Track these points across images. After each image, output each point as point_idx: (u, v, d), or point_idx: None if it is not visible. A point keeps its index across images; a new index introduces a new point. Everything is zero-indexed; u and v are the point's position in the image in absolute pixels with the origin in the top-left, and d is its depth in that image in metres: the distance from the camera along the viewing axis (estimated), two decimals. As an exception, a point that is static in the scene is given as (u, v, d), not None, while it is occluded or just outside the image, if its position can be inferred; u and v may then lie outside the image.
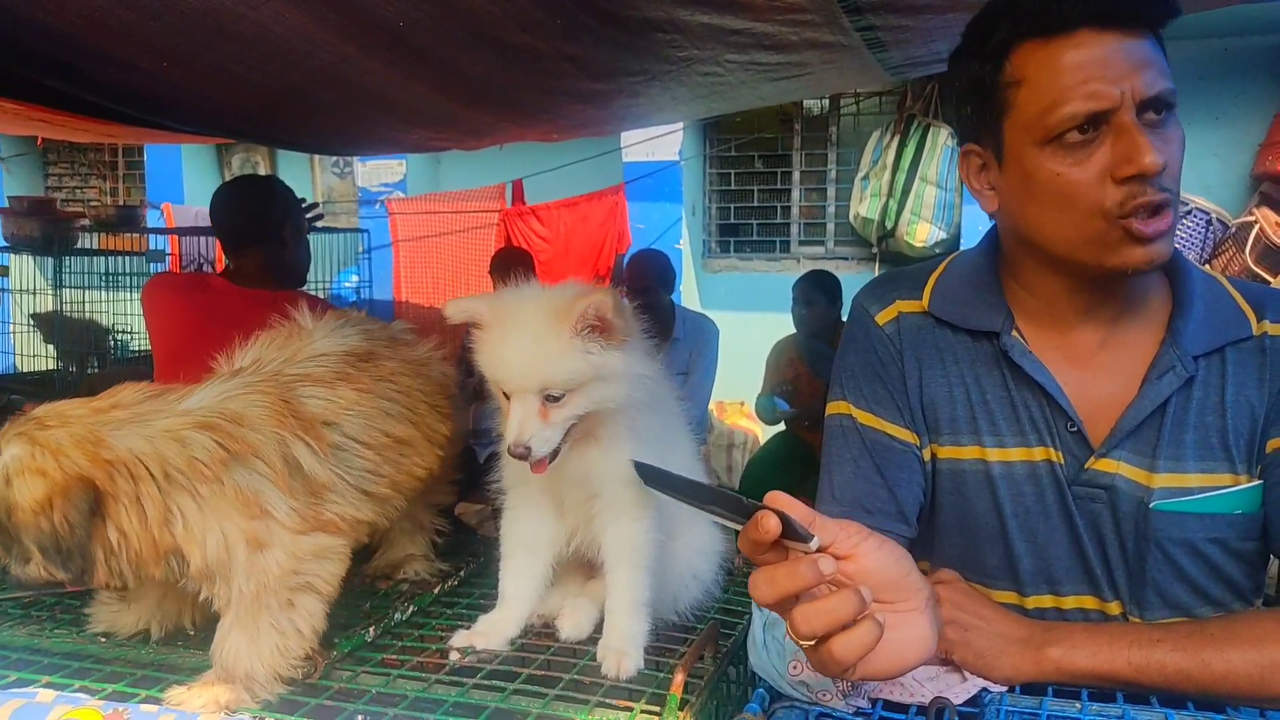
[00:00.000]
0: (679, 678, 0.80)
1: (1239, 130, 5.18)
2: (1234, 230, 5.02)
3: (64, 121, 3.02)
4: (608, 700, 0.84)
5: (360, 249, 6.20)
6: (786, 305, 4.61)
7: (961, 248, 5.52)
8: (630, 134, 5.81)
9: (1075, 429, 1.09)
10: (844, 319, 4.40)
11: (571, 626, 0.99)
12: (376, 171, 6.94)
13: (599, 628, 0.97)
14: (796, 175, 6.33)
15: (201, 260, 5.83)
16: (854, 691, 0.98)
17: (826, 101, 6.13)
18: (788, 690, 0.99)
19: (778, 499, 0.77)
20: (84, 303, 5.15)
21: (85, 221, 5.16)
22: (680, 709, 0.80)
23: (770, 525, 0.74)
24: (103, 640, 0.96)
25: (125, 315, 5.20)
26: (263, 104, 2.81)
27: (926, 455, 1.17)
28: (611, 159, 6.07)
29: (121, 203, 7.86)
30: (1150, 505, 1.06)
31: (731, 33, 2.25)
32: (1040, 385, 1.10)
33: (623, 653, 0.90)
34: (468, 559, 1.22)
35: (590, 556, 1.00)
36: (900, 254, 5.74)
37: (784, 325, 4.60)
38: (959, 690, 1.02)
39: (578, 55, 2.36)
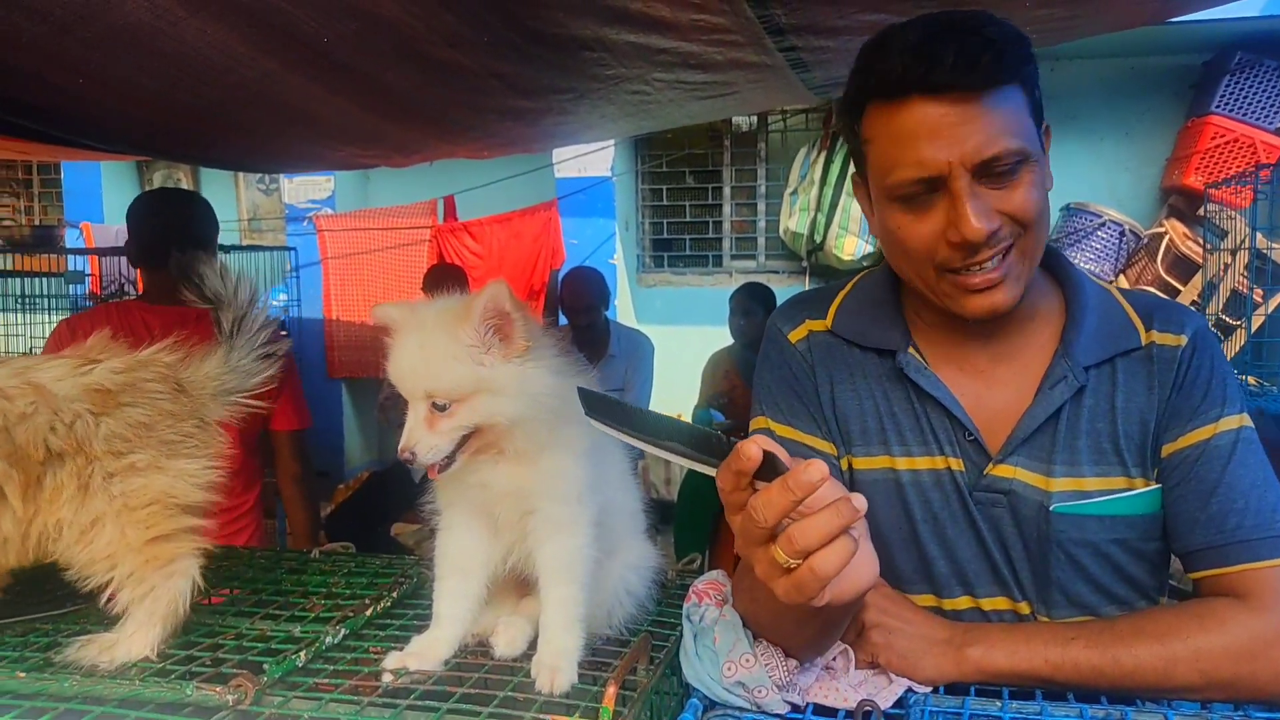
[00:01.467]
0: (611, 690, 0.81)
1: (1148, 145, 5.41)
2: (1146, 241, 5.23)
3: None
4: (541, 716, 0.84)
5: (288, 267, 6.10)
6: (720, 319, 4.67)
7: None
8: (562, 150, 5.83)
9: (973, 438, 1.14)
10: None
11: (506, 644, 0.99)
12: (304, 188, 6.83)
13: (534, 644, 0.98)
14: (727, 190, 6.41)
15: (123, 280, 5.66)
16: (789, 685, 1.00)
17: (755, 118, 6.23)
18: (723, 697, 1.01)
19: (756, 437, 0.78)
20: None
21: (-2, 242, 4.98)
22: (613, 721, 0.81)
23: (754, 454, 0.76)
24: (21, 676, 0.93)
25: (43, 339, 5.03)
26: (183, 121, 2.75)
27: (844, 465, 1.20)
28: (544, 175, 6.08)
29: (38, 222, 7.61)
30: (1050, 508, 1.11)
31: (658, 51, 2.28)
32: (937, 399, 1.15)
33: (556, 668, 0.90)
34: (399, 579, 1.21)
35: (525, 574, 1.00)
36: (830, 267, 5.84)
37: (718, 339, 4.65)
38: (886, 694, 1.04)
39: (505, 72, 2.37)
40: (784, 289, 5.27)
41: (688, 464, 0.79)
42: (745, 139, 6.37)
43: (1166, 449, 1.11)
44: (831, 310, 1.24)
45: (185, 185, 7.39)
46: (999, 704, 0.99)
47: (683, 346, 5.36)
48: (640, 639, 0.96)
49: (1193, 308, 3.84)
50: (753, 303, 4.38)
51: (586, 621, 0.97)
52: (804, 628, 0.96)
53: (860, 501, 0.78)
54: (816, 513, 0.77)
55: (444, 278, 4.56)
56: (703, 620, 1.10)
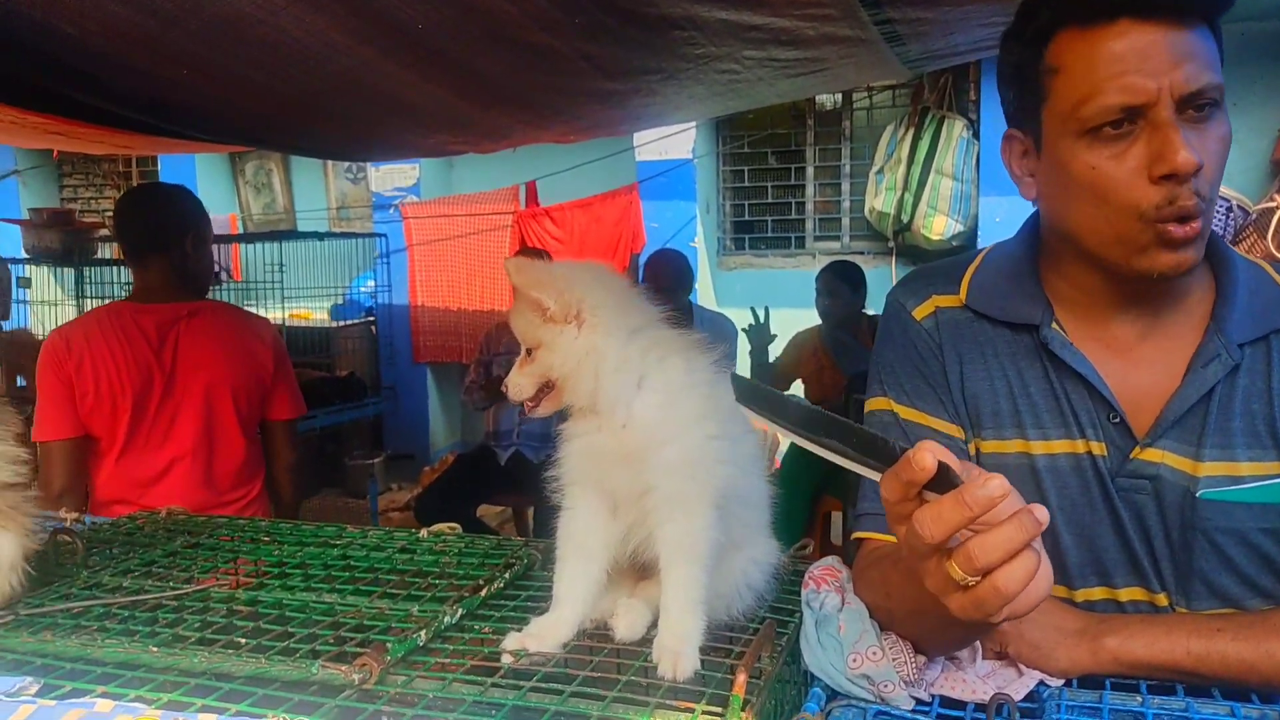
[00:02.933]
0: (741, 678, 0.79)
1: (1257, 116, 5.13)
2: (1255, 216, 4.97)
3: (81, 132, 3.03)
4: (667, 702, 0.82)
5: (375, 254, 6.22)
6: (804, 300, 4.59)
7: (979, 240, 5.50)
8: (643, 133, 5.79)
9: (1118, 419, 1.07)
10: (865, 310, 4.40)
11: (627, 628, 0.98)
12: (390, 176, 6.95)
13: (654, 629, 0.97)
14: (810, 171, 6.30)
15: (220, 268, 5.86)
16: (917, 681, 0.97)
17: (840, 96, 6.10)
18: (846, 687, 0.98)
19: (926, 443, 0.73)
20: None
21: (104, 231, 5.17)
22: (742, 709, 0.79)
23: (929, 464, 0.71)
24: (154, 650, 0.96)
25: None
26: (281, 110, 2.81)
27: (971, 450, 1.14)
28: (624, 158, 6.06)
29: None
30: (1197, 494, 1.04)
31: (749, 28, 2.24)
32: (1082, 376, 1.08)
33: (678, 653, 0.89)
34: (510, 560, 1.21)
35: (645, 558, 0.99)
36: (917, 247, 5.70)
37: (802, 320, 4.58)
38: (1017, 685, 1.00)
39: (596, 54, 2.36)
40: (870, 270, 5.15)
41: (848, 465, 0.75)
42: (829, 118, 6.25)
43: None
44: (964, 284, 1.17)
45: (277, 176, 7.59)
46: (1139, 699, 0.94)
47: (766, 329, 5.30)
48: (765, 625, 0.94)
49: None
50: (840, 282, 4.30)
51: (707, 606, 0.95)
52: (948, 630, 0.91)
53: (1043, 514, 0.72)
54: (997, 527, 0.71)
55: (529, 263, 4.60)
56: (823, 608, 1.07)
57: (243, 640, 0.98)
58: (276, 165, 7.60)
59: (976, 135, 5.47)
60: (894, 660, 0.97)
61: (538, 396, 1.01)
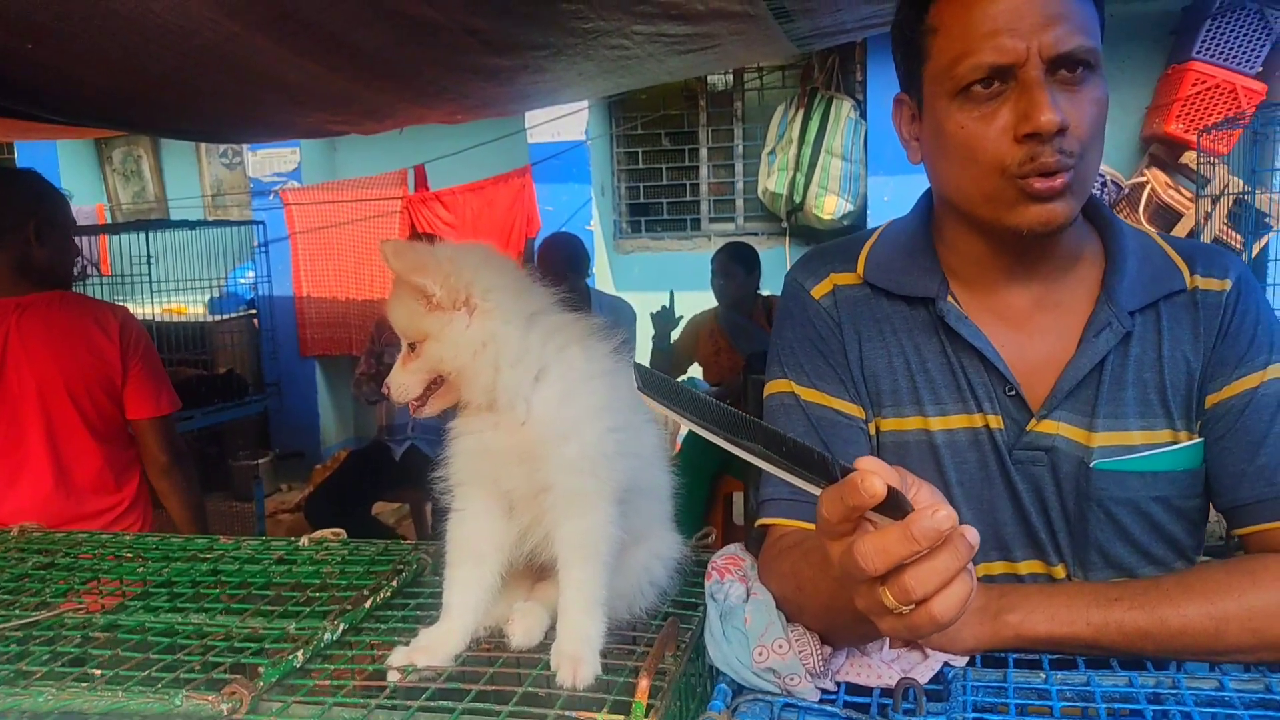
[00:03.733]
0: (644, 682, 0.74)
1: (1128, 94, 5.35)
2: (1127, 191, 5.20)
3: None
4: (567, 713, 0.77)
5: (254, 243, 5.93)
6: (700, 283, 4.58)
7: (869, 219, 5.59)
8: (534, 114, 5.69)
9: (1014, 392, 1.07)
10: (761, 291, 4.42)
11: (523, 634, 0.92)
12: (268, 161, 6.65)
13: (552, 634, 0.91)
14: (704, 152, 6.30)
15: (85, 262, 5.50)
16: (823, 673, 0.95)
17: (731, 76, 6.11)
18: (752, 681, 0.95)
19: (869, 462, 0.68)
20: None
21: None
22: (646, 715, 0.74)
23: (879, 490, 0.66)
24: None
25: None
26: (143, 88, 2.63)
27: (872, 429, 1.13)
28: (516, 140, 5.94)
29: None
30: (1091, 465, 1.05)
31: (638, 2, 2.19)
32: (977, 350, 1.08)
33: (578, 658, 0.83)
34: (398, 566, 1.14)
35: (543, 559, 0.93)
36: (809, 227, 5.77)
37: (699, 303, 4.58)
38: (922, 669, 0.98)
39: (480, 28, 2.27)
40: (765, 251, 5.20)
41: (777, 473, 0.69)
42: (721, 99, 6.26)
43: (1211, 399, 1.05)
44: (861, 259, 1.16)
45: (146, 162, 7.20)
46: (1042, 675, 0.93)
47: (664, 312, 5.28)
48: (668, 623, 0.90)
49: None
50: (734, 263, 4.31)
51: (608, 606, 0.90)
52: (860, 626, 0.87)
53: (974, 536, 0.70)
54: (932, 555, 0.68)
55: (419, 249, 4.46)
56: (728, 599, 1.03)
57: (98, 671, 0.88)
58: (146, 151, 7.20)
59: (864, 115, 5.55)
60: (800, 652, 0.94)
61: (425, 395, 0.94)
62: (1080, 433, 1.06)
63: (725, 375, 4.32)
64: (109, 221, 6.83)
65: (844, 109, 5.51)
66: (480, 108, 3.58)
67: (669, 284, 4.68)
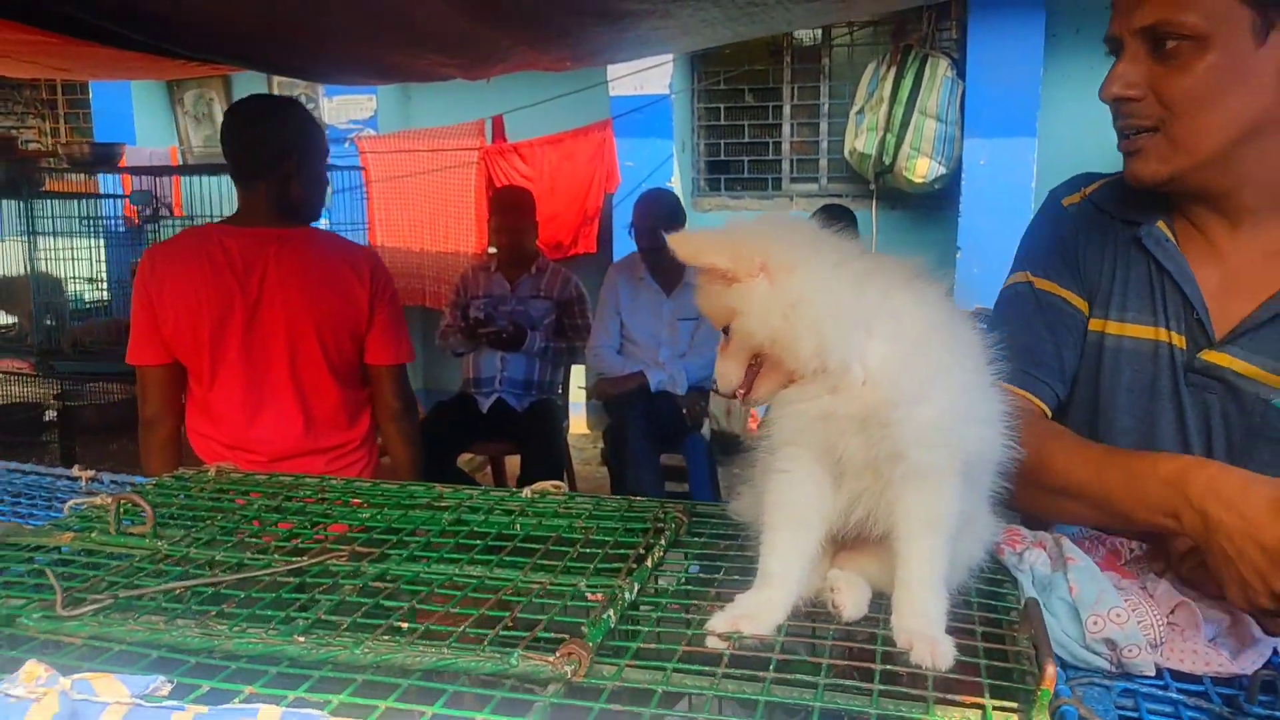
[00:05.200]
0: (1050, 669, 0.68)
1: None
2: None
3: (22, 42, 2.71)
4: (950, 696, 0.71)
5: (330, 190, 5.89)
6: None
7: (962, 183, 5.39)
8: (617, 66, 5.55)
9: (1198, 316, 1.15)
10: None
11: (853, 605, 0.85)
12: (344, 108, 6.60)
13: (872, 607, 0.86)
14: (787, 110, 6.14)
15: (159, 204, 5.49)
16: (1160, 644, 0.88)
17: (819, 32, 5.93)
18: (1079, 656, 0.89)
19: None
20: (62, 250, 4.76)
21: (51, 161, 4.78)
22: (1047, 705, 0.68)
23: None
24: (300, 641, 0.81)
25: (74, 263, 4.86)
26: (272, 25, 2.57)
27: (1091, 328, 1.25)
28: (598, 93, 5.81)
29: (67, 141, 7.39)
30: (1272, 401, 1.10)
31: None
32: (1169, 271, 1.17)
33: (932, 638, 0.77)
34: (656, 524, 1.08)
35: (875, 532, 0.86)
36: (898, 190, 5.62)
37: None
38: (1252, 655, 0.92)
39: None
40: (854, 213, 5.06)
41: None
42: (808, 54, 6.08)
43: None
44: (1100, 184, 1.29)
45: (219, 105, 7.16)
46: None
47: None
48: (1029, 603, 0.83)
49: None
50: (831, 224, 4.19)
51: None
52: (1111, 523, 1.02)
53: None
54: None
55: (514, 202, 4.38)
56: (1034, 569, 0.97)
57: (403, 625, 0.83)
58: (218, 94, 7.16)
59: (961, 75, 5.37)
60: (1139, 621, 0.88)
61: (748, 378, 0.86)
62: (1260, 372, 1.11)
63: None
64: (181, 164, 6.83)
65: (940, 68, 5.33)
66: (592, 55, 3.49)
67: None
